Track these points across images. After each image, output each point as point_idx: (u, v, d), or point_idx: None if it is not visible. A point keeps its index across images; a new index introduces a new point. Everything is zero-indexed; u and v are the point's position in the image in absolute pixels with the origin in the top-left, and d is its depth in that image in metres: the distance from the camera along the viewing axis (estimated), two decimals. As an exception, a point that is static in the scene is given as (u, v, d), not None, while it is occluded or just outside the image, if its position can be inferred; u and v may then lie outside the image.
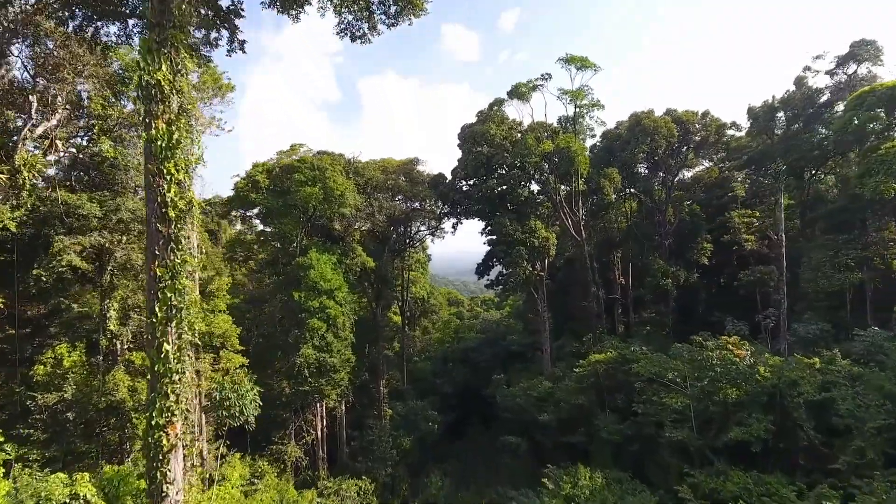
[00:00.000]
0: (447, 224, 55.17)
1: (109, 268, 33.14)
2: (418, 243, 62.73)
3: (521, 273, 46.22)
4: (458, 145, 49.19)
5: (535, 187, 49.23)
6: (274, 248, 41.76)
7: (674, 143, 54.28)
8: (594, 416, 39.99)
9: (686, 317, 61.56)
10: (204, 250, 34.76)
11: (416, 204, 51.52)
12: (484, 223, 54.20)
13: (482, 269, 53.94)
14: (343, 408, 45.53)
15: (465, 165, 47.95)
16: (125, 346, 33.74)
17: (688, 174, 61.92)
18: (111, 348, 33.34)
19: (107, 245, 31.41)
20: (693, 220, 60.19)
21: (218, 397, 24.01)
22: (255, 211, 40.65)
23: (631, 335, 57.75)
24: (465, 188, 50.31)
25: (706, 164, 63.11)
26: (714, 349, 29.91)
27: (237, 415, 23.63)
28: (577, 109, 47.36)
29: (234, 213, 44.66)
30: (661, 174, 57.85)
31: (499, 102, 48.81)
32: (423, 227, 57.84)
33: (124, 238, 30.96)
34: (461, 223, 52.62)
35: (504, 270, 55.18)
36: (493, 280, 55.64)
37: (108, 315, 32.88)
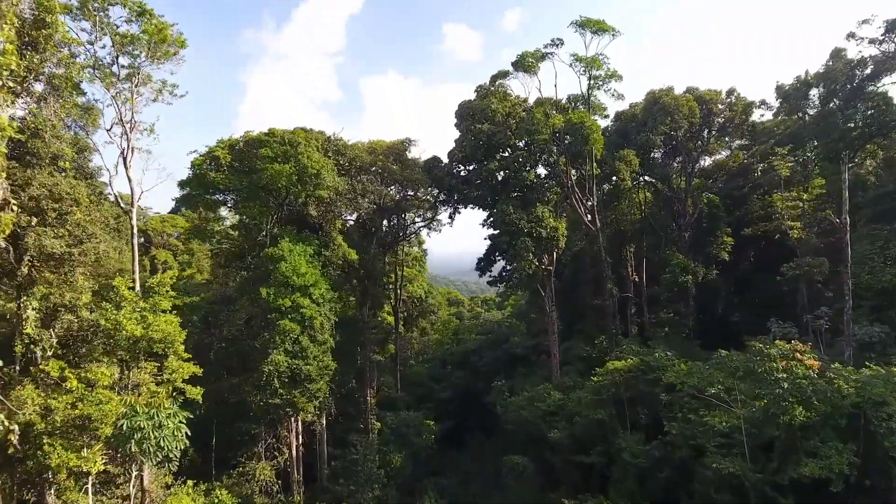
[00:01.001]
0: (443, 214, 48.36)
1: (27, 258, 26.29)
2: (413, 237, 55.84)
3: (526, 267, 39.36)
4: (456, 124, 42.45)
5: (542, 171, 42.43)
6: (242, 237, 35.00)
7: (695, 125, 47.35)
8: (614, 433, 33.16)
9: (704, 317, 54.60)
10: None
11: (409, 192, 44.66)
12: (485, 213, 47.40)
13: (483, 264, 47.07)
14: (324, 422, 38.69)
15: (463, 146, 41.15)
16: (48, 354, 26.93)
17: (708, 161, 54.85)
18: (28, 356, 26.56)
19: (18, 229, 24.59)
20: (712, 212, 53.22)
21: (124, 427, 17.13)
22: (219, 197, 33.84)
23: (646, 337, 50.79)
24: (463, 173, 43.46)
25: (725, 151, 56.09)
26: (778, 358, 22.87)
27: (151, 450, 16.73)
28: (591, 81, 40.52)
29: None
30: (679, 160, 50.90)
31: (502, 75, 42.00)
32: (417, 219, 50.98)
33: (34, 220, 24.17)
34: (459, 212, 45.82)
35: (507, 266, 48.35)
36: (495, 277, 48.74)
37: (24, 315, 26.07)
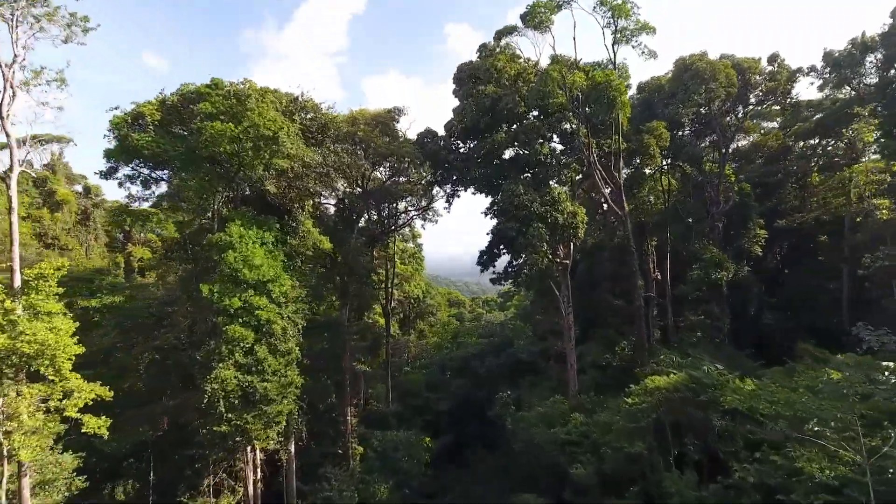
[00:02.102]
0: (439, 202, 40.13)
1: None
2: (406, 229, 47.69)
3: (539, 260, 31.18)
4: (454, 91, 34.44)
5: (557, 147, 34.15)
6: (181, 221, 26.89)
7: (732, 96, 39.14)
8: (655, 471, 24.98)
9: (734, 319, 46.37)
10: None
11: (401, 177, 36.50)
12: (488, 199, 39.24)
13: (486, 258, 38.87)
14: (291, 449, 30.49)
15: (463, 115, 33.09)
16: None
17: (743, 141, 46.51)
18: None
19: None
20: (743, 201, 44.96)
21: None
22: (149, 171, 25.55)
23: (672, 343, 42.60)
24: (463, 150, 35.28)
25: (759, 130, 47.76)
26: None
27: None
28: (617, 35, 32.30)
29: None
30: (711, 139, 42.68)
31: (508, 31, 33.86)
32: (410, 209, 42.83)
33: None
34: (458, 195, 37.60)
35: (514, 260, 40.18)
36: (499, 274, 40.50)
37: None
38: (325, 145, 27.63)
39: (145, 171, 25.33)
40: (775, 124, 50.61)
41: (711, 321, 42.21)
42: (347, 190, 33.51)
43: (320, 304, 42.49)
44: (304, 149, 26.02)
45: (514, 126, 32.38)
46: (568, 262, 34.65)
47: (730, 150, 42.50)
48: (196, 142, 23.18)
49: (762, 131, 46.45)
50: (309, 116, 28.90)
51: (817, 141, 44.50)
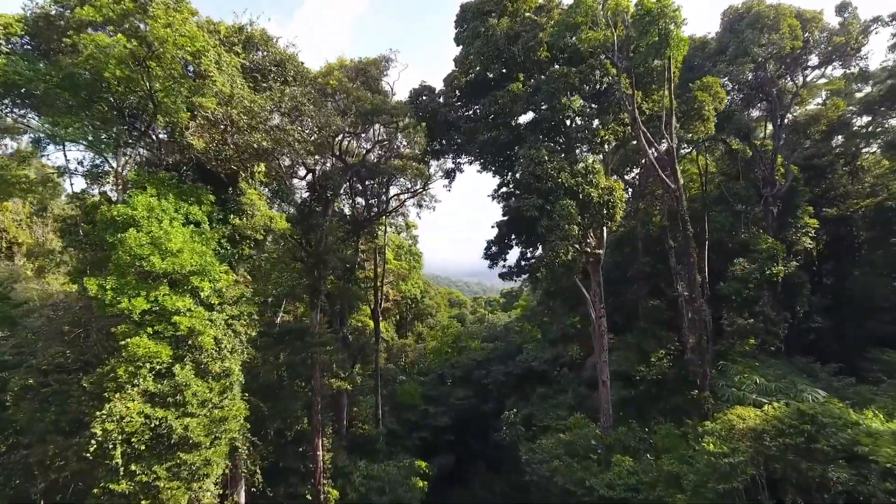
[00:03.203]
0: (437, 178, 31.73)
1: None
2: (400, 218, 39.36)
3: (566, 248, 22.79)
4: (456, 35, 25.99)
5: (582, 109, 25.65)
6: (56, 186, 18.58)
7: (795, 51, 30.87)
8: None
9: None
10: None
11: (390, 147, 28.21)
12: (496, 177, 31.04)
13: (495, 249, 30.61)
14: (241, 501, 22.05)
15: (467, 63, 24.77)
16: None
17: (797, 111, 38.10)
18: None
19: None
20: (791, 185, 36.68)
21: None
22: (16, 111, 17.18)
23: (717, 352, 34.33)
24: (468, 112, 26.82)
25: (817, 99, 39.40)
26: None
27: None
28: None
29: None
30: (764, 106, 34.37)
31: (524, -44, 25.64)
32: (402, 192, 34.54)
33: None
34: (460, 170, 29.27)
35: (527, 251, 31.90)
36: (510, 268, 32.18)
37: None
38: (280, 88, 19.31)
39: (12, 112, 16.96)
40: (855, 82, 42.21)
41: (765, 325, 33.81)
42: (320, 161, 25.22)
43: (288, 305, 34.20)
44: (244, 87, 17.67)
45: (534, 77, 24.04)
46: (601, 251, 26.29)
47: (787, 120, 34.11)
48: (76, 63, 14.88)
49: (822, 100, 38.10)
50: (260, 55, 20.58)
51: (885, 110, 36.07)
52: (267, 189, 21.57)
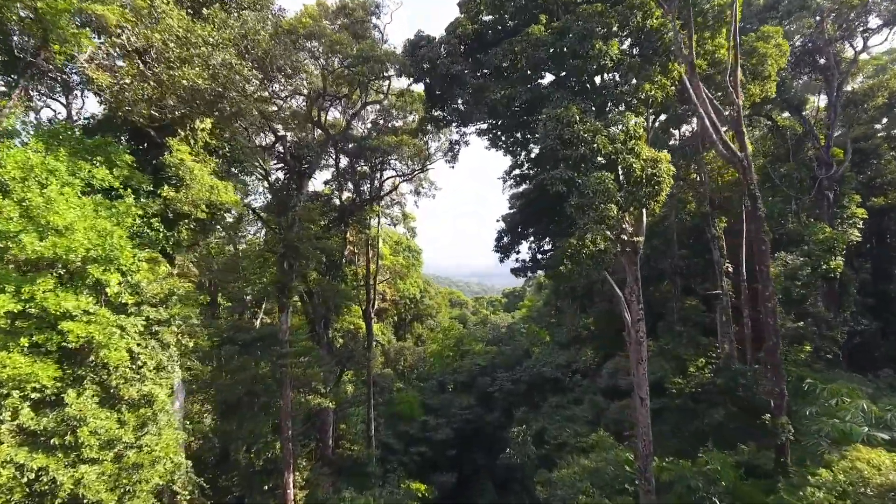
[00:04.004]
0: (437, 156, 26.28)
1: None
2: (397, 208, 33.91)
3: (602, 233, 17.32)
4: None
5: (621, 58, 20.09)
6: None
7: (860, 6, 25.44)
8: None
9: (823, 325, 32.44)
10: None
11: (381, 114, 22.79)
12: (509, 153, 25.76)
13: (507, 240, 25.20)
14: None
15: (474, 5, 19.30)
16: None
17: (852, 84, 32.57)
18: None
19: None
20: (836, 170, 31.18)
21: None
22: None
23: (758, 360, 28.89)
24: (476, 73, 21.11)
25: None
26: None
27: None
28: None
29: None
30: (815, 76, 28.90)
31: None
32: (395, 173, 29.12)
33: None
34: (465, 142, 23.87)
35: (542, 241, 26.68)
36: (524, 261, 26.76)
37: None
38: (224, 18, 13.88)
39: None
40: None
41: (818, 328, 28.33)
42: (295, 130, 19.82)
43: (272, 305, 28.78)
44: (170, 2, 12.27)
45: (560, 20, 18.57)
46: (639, 240, 20.81)
47: (843, 92, 28.63)
48: None
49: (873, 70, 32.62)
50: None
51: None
52: (220, 157, 16.14)
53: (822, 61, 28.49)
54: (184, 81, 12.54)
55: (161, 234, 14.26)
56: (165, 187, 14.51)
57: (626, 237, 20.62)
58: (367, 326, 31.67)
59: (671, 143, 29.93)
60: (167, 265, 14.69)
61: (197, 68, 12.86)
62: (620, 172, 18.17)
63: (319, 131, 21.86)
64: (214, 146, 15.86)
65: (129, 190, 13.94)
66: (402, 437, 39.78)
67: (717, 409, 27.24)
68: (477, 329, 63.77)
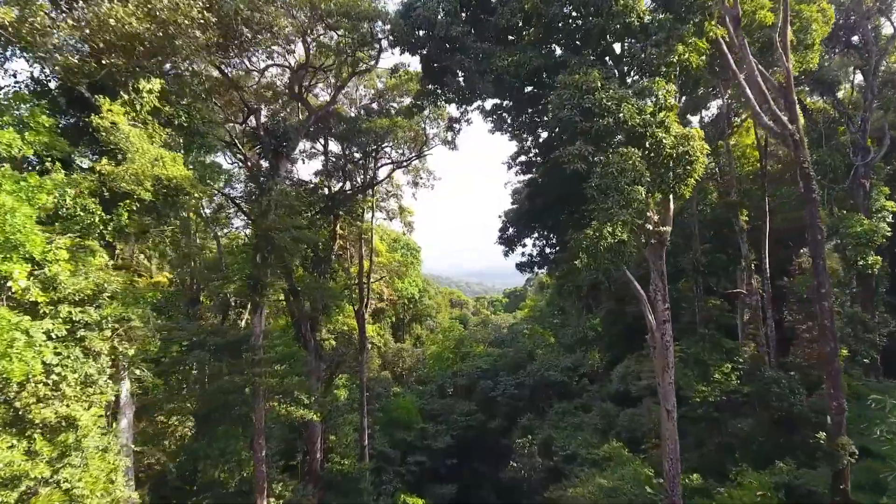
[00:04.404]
0: (435, 140, 23.50)
1: None
2: (393, 200, 31.07)
3: (630, 218, 14.54)
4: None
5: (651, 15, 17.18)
6: None
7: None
8: None
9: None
10: None
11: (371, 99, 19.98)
12: (515, 137, 23.13)
13: (513, 231, 22.42)
14: None
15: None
16: None
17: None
18: None
19: None
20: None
21: None
22: None
23: (785, 367, 26.05)
24: (478, 43, 18.20)
25: None
26: None
27: None
28: None
29: None
30: (852, 53, 26.04)
31: None
32: (393, 163, 26.34)
33: None
34: (467, 119, 21.00)
35: (550, 235, 24.00)
36: (530, 256, 23.97)
37: None
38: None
39: None
40: None
41: (853, 331, 25.42)
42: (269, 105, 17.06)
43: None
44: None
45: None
46: (666, 230, 17.98)
47: (879, 73, 25.75)
48: None
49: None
50: None
51: None
52: (177, 127, 13.29)
53: (856, 38, 25.70)
54: (111, 21, 9.69)
55: (97, 218, 11.46)
56: (104, 160, 11.68)
57: (650, 227, 17.78)
58: (360, 328, 28.85)
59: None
60: (105, 255, 11.86)
61: (130, 5, 10.02)
62: (647, 150, 15.34)
63: (305, 115, 19.05)
64: (168, 114, 13.02)
65: (59, 164, 11.17)
66: (399, 446, 36.97)
67: (743, 419, 24.42)
68: (478, 330, 60.86)
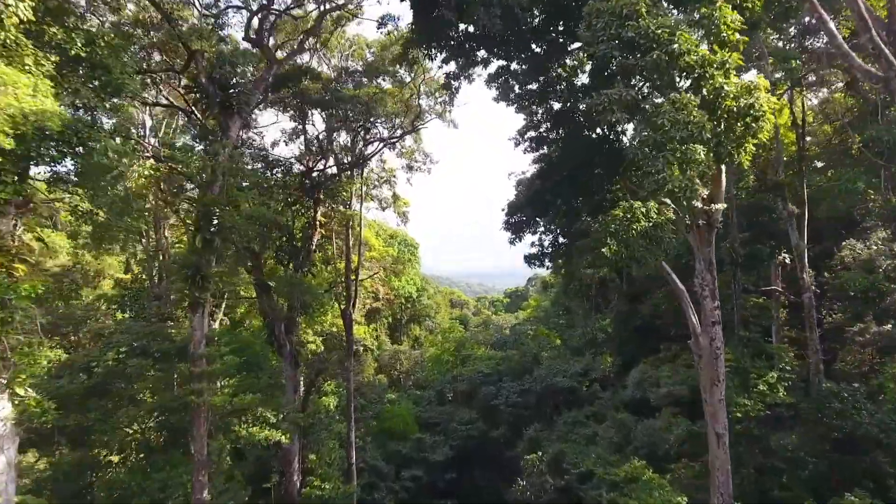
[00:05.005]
0: (431, 114, 19.72)
1: None
2: (385, 187, 27.22)
3: (688, 186, 10.72)
4: None
5: None
6: None
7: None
8: None
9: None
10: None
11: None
12: (522, 110, 19.39)
13: (524, 213, 18.53)
14: None
15: None
16: None
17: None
18: None
19: None
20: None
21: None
22: None
23: (836, 378, 22.10)
24: None
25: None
26: None
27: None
28: None
29: None
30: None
31: None
32: (377, 139, 22.59)
33: None
34: (468, 76, 17.15)
35: (556, 226, 20.26)
36: (539, 246, 20.12)
37: None
38: None
39: None
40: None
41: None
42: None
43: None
44: None
45: None
46: (717, 208, 14.07)
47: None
48: None
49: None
50: None
51: None
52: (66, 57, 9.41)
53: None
54: None
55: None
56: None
57: (700, 203, 13.87)
58: (346, 330, 24.94)
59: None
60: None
61: None
62: (703, 99, 11.45)
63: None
64: (54, 38, 9.12)
65: None
66: (394, 458, 33.10)
67: (785, 435, 20.50)
68: (479, 331, 56.82)
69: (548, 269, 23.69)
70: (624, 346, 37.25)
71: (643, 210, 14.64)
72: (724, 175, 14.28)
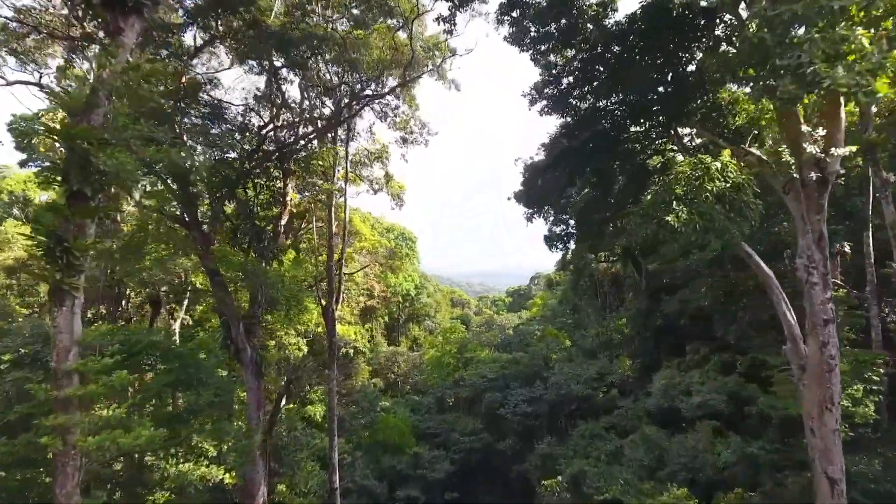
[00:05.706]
0: (427, 66, 15.33)
1: None
2: (377, 165, 22.83)
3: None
4: None
5: None
6: None
7: None
8: None
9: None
10: None
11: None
12: (538, 62, 14.86)
13: (542, 185, 13.95)
14: None
15: None
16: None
17: None
18: None
19: None
20: None
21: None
22: None
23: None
24: None
25: None
26: None
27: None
28: None
29: None
30: None
31: None
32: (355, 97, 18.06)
33: None
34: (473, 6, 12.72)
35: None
36: (564, 226, 15.50)
37: None
38: None
39: None
40: None
41: None
42: None
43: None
44: None
45: None
46: (835, 154, 9.65)
47: None
48: None
49: None
50: None
51: None
52: None
53: None
54: None
55: None
56: None
57: (809, 146, 9.39)
58: (328, 330, 20.41)
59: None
60: None
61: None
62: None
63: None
64: None
65: None
66: (387, 475, 28.58)
67: (863, 457, 15.93)
68: (482, 331, 52.11)
69: (568, 251, 19.15)
70: (644, 348, 32.82)
71: (717, 165, 10.24)
72: (842, 114, 9.77)
